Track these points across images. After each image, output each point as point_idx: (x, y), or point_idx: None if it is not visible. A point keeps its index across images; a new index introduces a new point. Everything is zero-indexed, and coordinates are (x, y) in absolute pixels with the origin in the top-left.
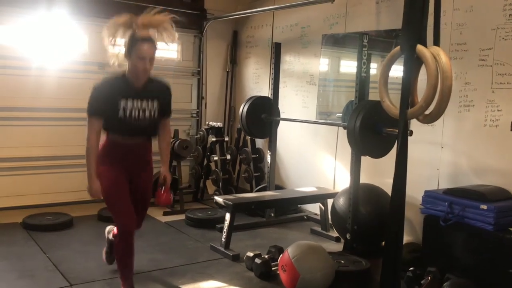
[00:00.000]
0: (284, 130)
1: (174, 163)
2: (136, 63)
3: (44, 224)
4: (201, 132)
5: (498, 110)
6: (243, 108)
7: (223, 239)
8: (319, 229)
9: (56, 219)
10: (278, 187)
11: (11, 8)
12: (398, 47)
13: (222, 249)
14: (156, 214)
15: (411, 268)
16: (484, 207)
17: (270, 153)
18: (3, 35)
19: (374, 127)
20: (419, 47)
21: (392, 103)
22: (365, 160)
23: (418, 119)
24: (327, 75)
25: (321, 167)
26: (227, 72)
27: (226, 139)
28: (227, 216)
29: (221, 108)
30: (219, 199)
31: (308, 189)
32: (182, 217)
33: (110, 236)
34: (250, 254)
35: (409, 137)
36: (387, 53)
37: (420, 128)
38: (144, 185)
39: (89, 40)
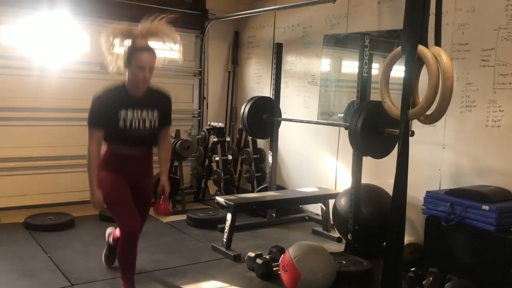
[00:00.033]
0: (285, 131)
1: (176, 163)
2: (136, 73)
3: (46, 224)
4: (202, 133)
5: (500, 111)
6: (244, 109)
7: (225, 239)
8: (320, 229)
9: (58, 219)
10: (280, 188)
11: (13, 9)
12: (399, 48)
13: (224, 249)
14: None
15: (413, 269)
16: (486, 207)
17: (271, 153)
18: (5, 35)
19: (375, 128)
20: (420, 47)
21: (393, 104)
22: (367, 161)
23: (419, 120)
24: (329, 76)
25: (322, 168)
26: (229, 73)
27: (228, 139)
28: (229, 216)
29: (223, 109)
30: (220, 199)
31: (309, 189)
32: (183, 217)
33: (110, 240)
34: (252, 254)
35: (410, 138)
36: (389, 53)
37: (422, 129)
38: (144, 191)
39: (91, 40)
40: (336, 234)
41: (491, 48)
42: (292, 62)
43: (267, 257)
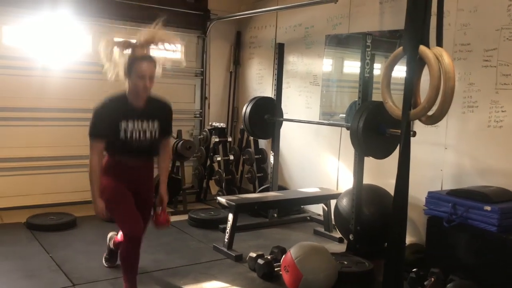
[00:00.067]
0: (287, 131)
1: (177, 163)
2: (136, 82)
3: (48, 224)
4: (204, 133)
5: (502, 111)
6: (246, 109)
7: (226, 240)
8: (322, 229)
9: (60, 219)
10: (281, 188)
11: (15, 9)
12: (400, 48)
13: (225, 249)
14: None
15: (414, 269)
16: (488, 208)
17: (273, 153)
18: (8, 35)
19: (377, 128)
20: (422, 48)
21: (395, 104)
22: (368, 161)
23: (421, 120)
24: (331, 76)
25: (324, 168)
26: (231, 73)
27: (229, 139)
28: (230, 216)
29: (224, 109)
30: (222, 199)
31: (311, 189)
32: (185, 217)
33: (111, 244)
34: (253, 254)
35: (412, 138)
36: (391, 53)
37: (424, 129)
38: (145, 196)
39: (93, 41)
40: (337, 234)
41: (493, 48)
42: (294, 62)
43: (269, 257)
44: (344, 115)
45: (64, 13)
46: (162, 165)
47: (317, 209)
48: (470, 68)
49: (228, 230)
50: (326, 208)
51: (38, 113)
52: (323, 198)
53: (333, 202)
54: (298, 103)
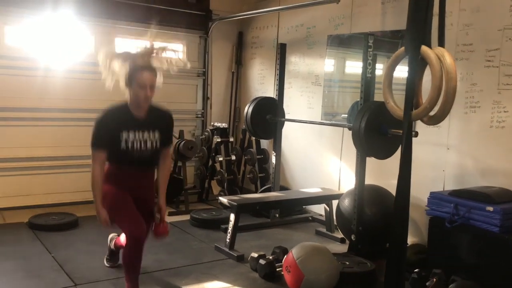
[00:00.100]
0: (289, 131)
1: (179, 163)
2: (137, 92)
3: (50, 224)
4: (206, 133)
5: (505, 111)
6: (248, 109)
7: (228, 240)
8: (324, 230)
9: (62, 219)
10: (283, 188)
11: (17, 9)
12: (402, 48)
13: (227, 249)
14: None
15: (416, 270)
16: (490, 208)
17: (275, 154)
18: (10, 35)
19: (379, 128)
20: (423, 48)
21: (396, 104)
22: (370, 161)
23: (422, 121)
24: (333, 76)
25: (326, 168)
26: (232, 73)
27: (231, 139)
28: (232, 216)
29: (226, 109)
30: (224, 199)
31: (313, 190)
32: (187, 217)
33: (112, 246)
34: (255, 255)
35: (414, 138)
36: (393, 53)
37: (426, 129)
38: (146, 201)
39: (95, 41)
40: (339, 234)
41: (496, 48)
42: (295, 63)
43: (270, 257)
44: (346, 115)
45: (66, 13)
46: (161, 174)
47: (319, 209)
48: (472, 68)
49: (230, 230)
50: (328, 209)
51: (40, 113)
52: (325, 199)
53: (335, 203)
54: (300, 103)
